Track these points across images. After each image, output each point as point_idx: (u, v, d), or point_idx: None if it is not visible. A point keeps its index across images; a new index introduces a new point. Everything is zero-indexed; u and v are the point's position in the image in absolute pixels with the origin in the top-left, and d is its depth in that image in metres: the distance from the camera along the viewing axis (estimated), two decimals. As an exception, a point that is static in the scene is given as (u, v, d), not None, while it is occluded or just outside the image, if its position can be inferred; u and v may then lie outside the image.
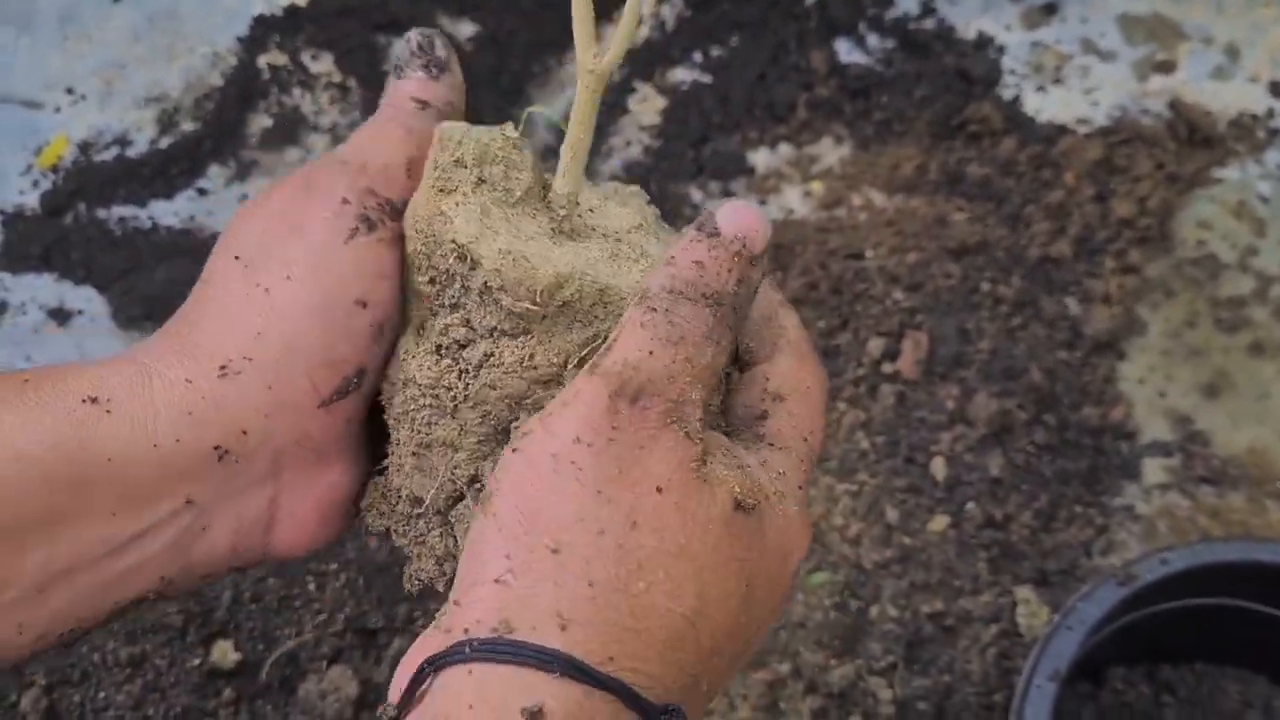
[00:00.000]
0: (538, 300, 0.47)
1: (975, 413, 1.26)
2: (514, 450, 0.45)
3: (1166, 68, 1.57)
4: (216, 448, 0.46)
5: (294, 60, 1.63)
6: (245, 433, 0.46)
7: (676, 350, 0.45)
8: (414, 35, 0.54)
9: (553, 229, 0.50)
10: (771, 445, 0.48)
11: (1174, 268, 1.43)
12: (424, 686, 0.42)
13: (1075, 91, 1.56)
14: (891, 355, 1.31)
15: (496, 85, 1.59)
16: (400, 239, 0.50)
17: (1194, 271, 1.42)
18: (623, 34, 0.50)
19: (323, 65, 1.63)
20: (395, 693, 0.43)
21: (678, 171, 1.51)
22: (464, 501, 0.51)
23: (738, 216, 0.47)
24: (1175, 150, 1.49)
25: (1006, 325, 1.35)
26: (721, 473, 0.44)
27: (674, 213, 1.48)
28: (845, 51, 1.59)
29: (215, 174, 1.55)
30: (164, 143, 1.57)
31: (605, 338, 0.47)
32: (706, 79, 1.58)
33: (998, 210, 1.45)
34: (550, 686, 0.40)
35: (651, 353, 0.44)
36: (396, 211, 0.50)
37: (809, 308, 1.35)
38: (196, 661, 1.20)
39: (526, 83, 1.61)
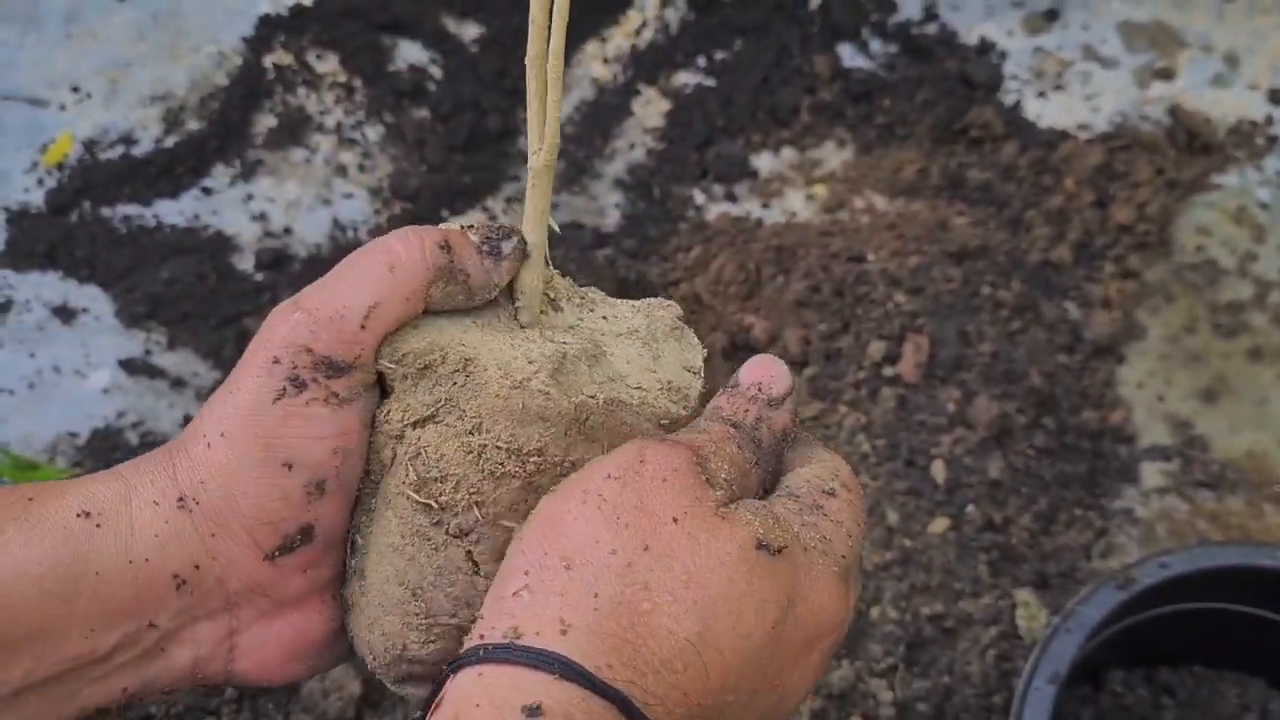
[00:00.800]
0: (396, 360, 0.50)
1: (975, 416, 1.27)
2: (553, 491, 0.48)
3: (1167, 75, 1.58)
4: (175, 575, 0.48)
5: (299, 60, 1.63)
6: (198, 567, 0.48)
7: (705, 437, 0.50)
8: (505, 225, 0.53)
9: (507, 317, 0.53)
10: (826, 516, 0.50)
11: (1173, 273, 1.44)
12: (444, 689, 0.44)
13: (1076, 97, 1.57)
14: (892, 358, 1.31)
15: (500, 87, 1.59)
16: (346, 394, 0.48)
17: (1193, 277, 1.43)
18: (550, 130, 0.51)
19: (328, 65, 1.64)
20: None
21: (681, 174, 1.52)
22: (352, 559, 0.52)
23: (756, 368, 0.53)
24: (1175, 157, 1.50)
25: (1007, 329, 1.36)
26: (746, 516, 0.47)
27: (677, 215, 1.49)
28: (848, 56, 1.60)
29: (220, 173, 1.56)
30: (169, 141, 1.58)
31: (455, 402, 0.50)
32: (710, 82, 1.59)
33: (998, 215, 1.46)
34: (550, 689, 0.42)
35: (683, 435, 0.51)
36: (336, 368, 0.48)
37: (811, 310, 1.36)
38: (200, 659, 1.20)
39: (530, 84, 1.61)
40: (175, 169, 1.55)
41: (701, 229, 1.47)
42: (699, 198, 1.51)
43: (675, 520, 0.45)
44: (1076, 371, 1.35)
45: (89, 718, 0.48)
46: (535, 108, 0.51)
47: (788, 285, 1.37)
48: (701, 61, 1.61)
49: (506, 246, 0.52)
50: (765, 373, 0.53)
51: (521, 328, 0.54)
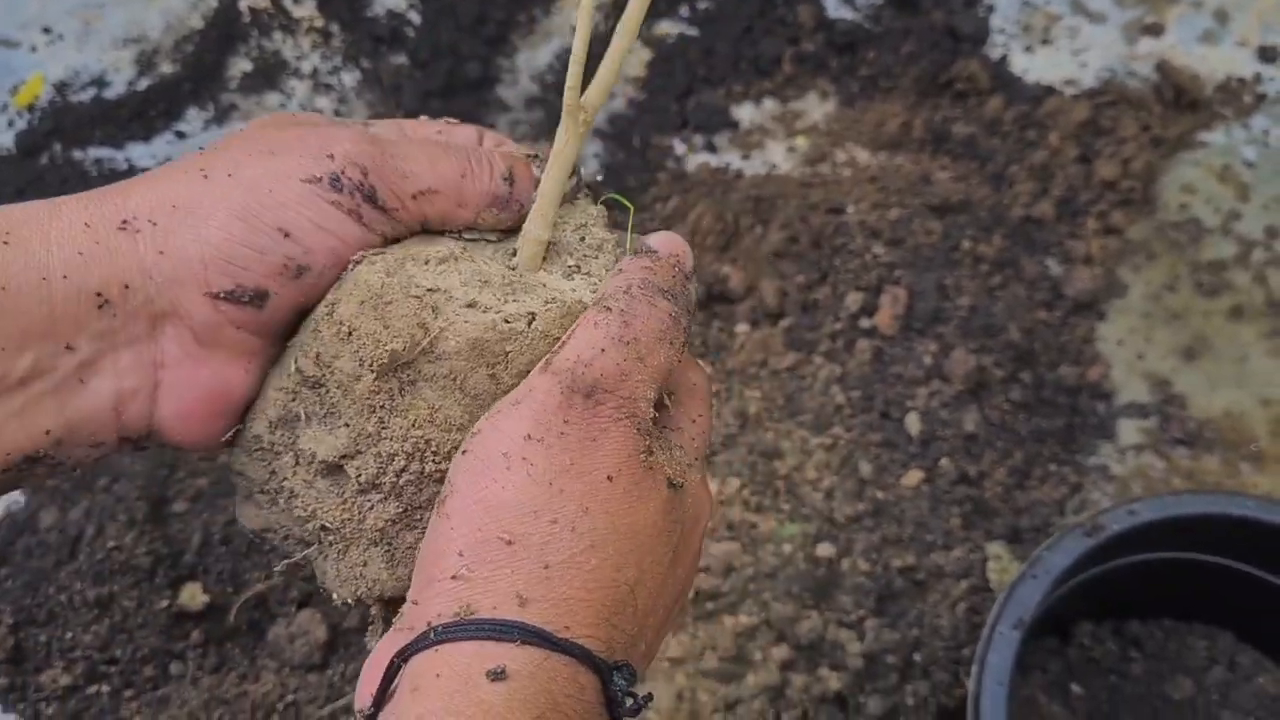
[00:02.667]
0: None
1: (951, 369, 1.26)
2: (464, 452, 0.47)
3: (1155, 30, 1.56)
4: (98, 294, 0.46)
5: (275, 4, 1.60)
6: (127, 287, 0.47)
7: (629, 349, 0.48)
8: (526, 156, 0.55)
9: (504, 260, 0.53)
10: (666, 428, 0.52)
11: (1156, 230, 1.42)
12: (396, 681, 0.44)
13: (1064, 52, 1.54)
14: (869, 310, 1.30)
15: (479, 33, 1.57)
16: (369, 222, 0.49)
17: (1176, 235, 1.41)
18: (607, 72, 0.50)
19: (305, 10, 1.61)
20: (366, 692, 0.45)
21: (662, 124, 1.49)
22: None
23: (668, 241, 0.53)
24: (1161, 113, 1.48)
25: (986, 283, 1.35)
26: (661, 458, 0.48)
27: (656, 165, 1.46)
28: (832, 6, 1.57)
29: (193, 117, 1.53)
30: (142, 84, 1.55)
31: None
32: (693, 32, 1.57)
33: (981, 169, 1.44)
34: (512, 653, 0.42)
35: (604, 350, 0.47)
36: (370, 199, 0.49)
37: (789, 261, 1.34)
38: (164, 603, 1.19)
39: (512, 32, 1.59)
40: (148, 112, 1.53)
41: (681, 179, 1.45)
42: (679, 148, 1.48)
43: (610, 479, 0.46)
44: (1056, 327, 1.34)
45: (20, 467, 0.47)
46: (578, 46, 0.50)
47: (765, 236, 1.35)
48: (684, 11, 1.58)
49: (525, 187, 0.53)
50: (678, 246, 0.52)
51: (511, 268, 0.53)
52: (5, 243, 0.45)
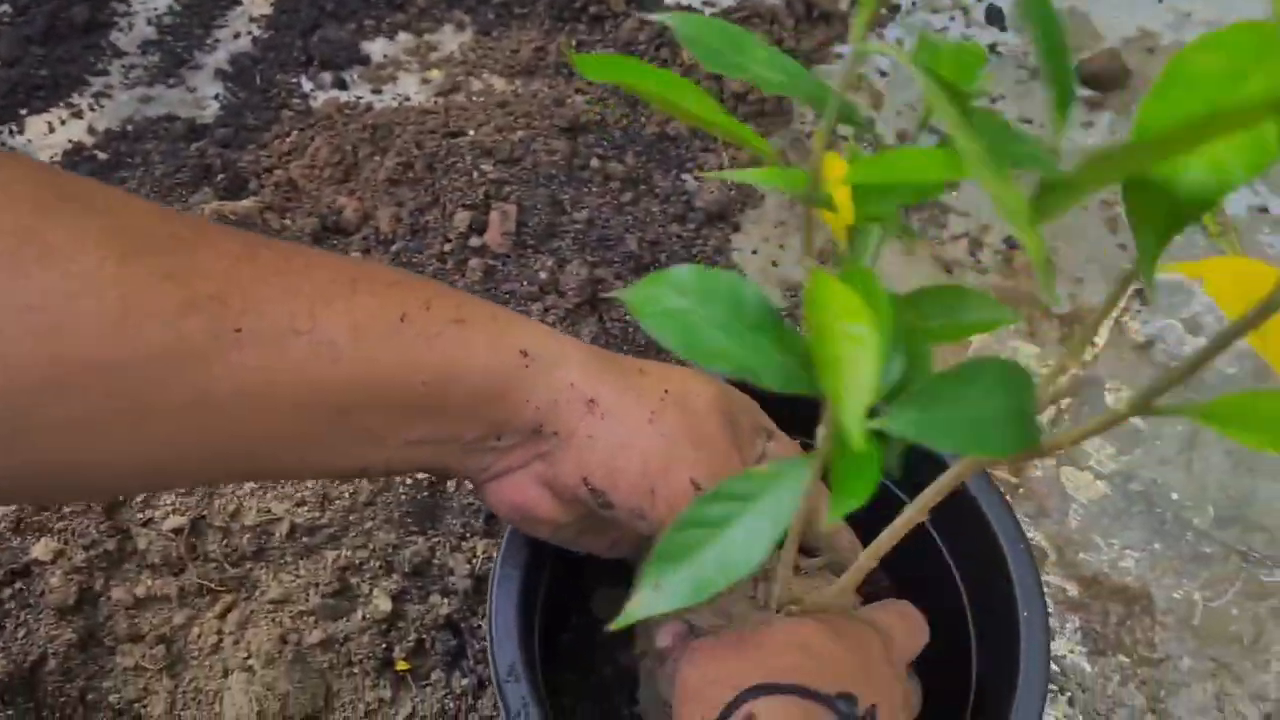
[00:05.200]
0: None
1: (566, 283, 1.23)
2: None
3: (790, -51, 1.57)
4: (538, 427, 0.59)
5: None
6: (556, 433, 0.59)
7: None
8: None
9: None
10: None
11: (792, 142, 1.42)
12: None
13: (701, -27, 1.54)
14: (479, 228, 1.26)
15: None
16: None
17: (811, 144, 1.42)
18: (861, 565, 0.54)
19: None
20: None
21: (286, 62, 1.43)
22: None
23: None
24: (794, 27, 1.49)
25: (617, 200, 1.32)
26: None
27: (280, 104, 1.40)
28: (470, -62, 1.53)
29: None
30: None
31: None
32: (324, -31, 1.51)
33: (616, 90, 1.42)
34: None
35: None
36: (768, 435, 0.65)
37: (404, 187, 1.29)
38: None
39: None
40: None
41: (305, 115, 1.38)
42: (306, 85, 1.42)
43: None
44: (687, 239, 1.32)
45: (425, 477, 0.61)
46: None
47: (382, 164, 1.30)
48: (314, -53, 1.52)
49: None
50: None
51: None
52: (527, 368, 0.57)
